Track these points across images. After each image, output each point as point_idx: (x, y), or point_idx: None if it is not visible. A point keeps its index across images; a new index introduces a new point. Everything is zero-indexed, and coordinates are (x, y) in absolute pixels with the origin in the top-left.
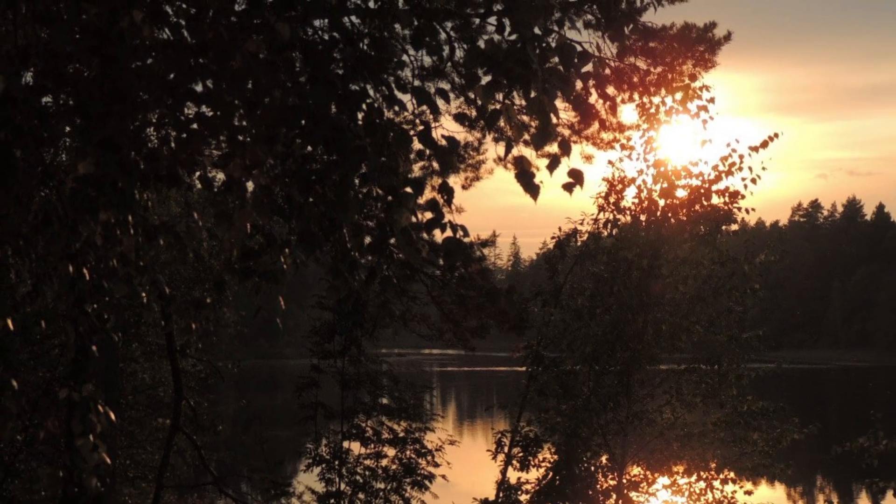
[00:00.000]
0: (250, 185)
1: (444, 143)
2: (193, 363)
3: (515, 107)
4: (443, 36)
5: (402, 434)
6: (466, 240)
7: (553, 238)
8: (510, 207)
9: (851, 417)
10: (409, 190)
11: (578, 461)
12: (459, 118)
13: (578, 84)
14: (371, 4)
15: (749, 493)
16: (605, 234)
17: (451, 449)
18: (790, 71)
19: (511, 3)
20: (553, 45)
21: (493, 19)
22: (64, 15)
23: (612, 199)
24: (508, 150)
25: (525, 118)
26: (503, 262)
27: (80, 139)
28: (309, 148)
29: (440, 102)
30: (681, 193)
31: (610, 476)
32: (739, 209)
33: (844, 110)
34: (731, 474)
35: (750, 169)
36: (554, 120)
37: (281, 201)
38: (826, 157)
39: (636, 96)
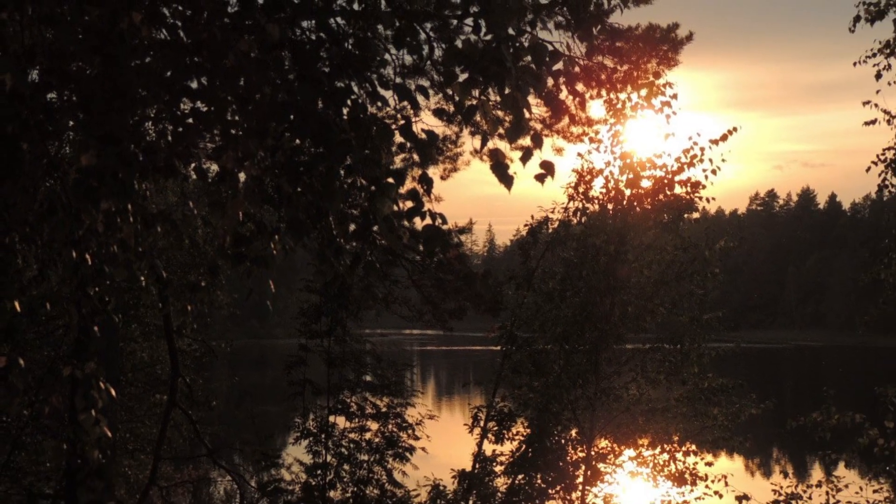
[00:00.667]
0: (242, 176)
1: (423, 136)
2: (189, 343)
3: (491, 102)
4: (422, 36)
5: (384, 409)
6: (445, 227)
7: (526, 225)
8: (486, 197)
9: (805, 394)
10: (390, 180)
11: (550, 434)
12: (438, 113)
13: (549, 81)
14: (355, 6)
15: (709, 464)
16: (575, 221)
17: (431, 423)
18: (748, 69)
19: (486, 6)
20: (526, 44)
21: (469, 20)
22: (68, 16)
23: (581, 189)
24: (484, 143)
25: (500, 113)
26: (479, 248)
27: (82, 133)
28: (297, 141)
29: (420, 98)
30: (646, 184)
31: (579, 448)
32: (700, 198)
33: (799, 106)
34: (693, 447)
35: (710, 161)
36: (527, 115)
37: (271, 191)
38: (781, 149)
39: (604, 93)
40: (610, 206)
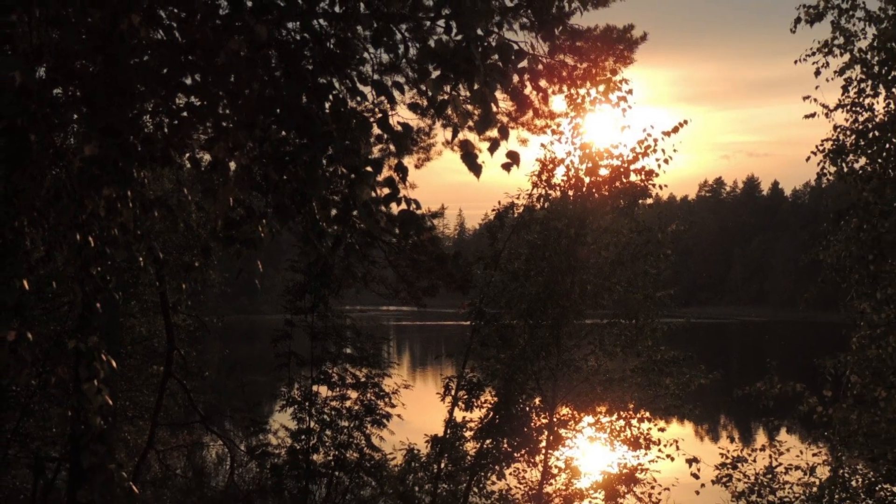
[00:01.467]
0: (233, 165)
1: (399, 128)
2: (184, 318)
3: (461, 97)
4: (398, 36)
5: (363, 379)
6: (419, 212)
7: (493, 210)
8: (456, 184)
9: (750, 365)
10: (369, 169)
11: (515, 402)
12: (413, 107)
13: (515, 78)
14: (337, 9)
15: (662, 430)
16: (538, 206)
17: (406, 392)
18: (697, 66)
19: (457, 8)
20: (493, 44)
21: (441, 22)
22: (72, 18)
23: (544, 177)
24: (455, 134)
25: (469, 107)
26: (450, 231)
27: (86, 125)
28: (283, 133)
29: (396, 94)
30: (603, 172)
31: (542, 415)
32: (654, 185)
33: (744, 100)
34: (647, 414)
35: (663, 151)
36: (494, 108)
37: (259, 179)
38: (728, 140)
39: (565, 88)
40: (570, 193)
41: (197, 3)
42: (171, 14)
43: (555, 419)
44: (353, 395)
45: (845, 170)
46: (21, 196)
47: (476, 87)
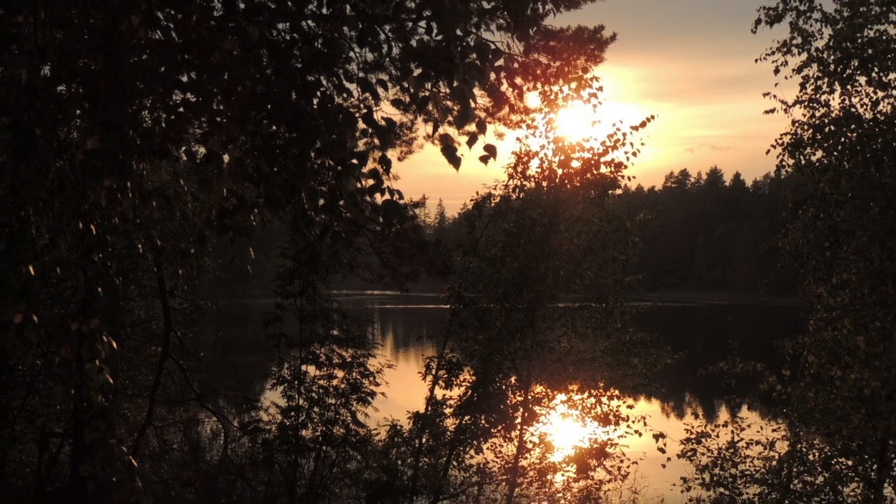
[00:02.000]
0: (226, 158)
1: (383, 123)
2: (180, 301)
3: (441, 94)
4: (382, 37)
5: (349, 359)
6: (401, 202)
7: (472, 200)
8: (437, 176)
9: (713, 346)
10: (354, 161)
11: (492, 381)
12: (396, 103)
13: (492, 75)
14: (324, 11)
15: (630, 407)
16: (514, 197)
17: (389, 371)
18: (664, 65)
19: (437, 10)
20: (471, 43)
21: (423, 23)
22: (75, 19)
23: (519, 169)
24: (435, 129)
25: (449, 103)
26: (431, 219)
27: (88, 120)
28: (274, 127)
29: (380, 90)
30: (575, 164)
31: (518, 393)
32: (623, 177)
33: (708, 97)
34: (616, 392)
35: (631, 144)
36: (472, 104)
37: (251, 170)
38: (693, 134)
39: (539, 85)
40: (544, 184)
41: (193, 4)
42: (168, 15)
43: (529, 397)
44: (340, 374)
45: (803, 162)
46: (27, 187)
47: (455, 84)
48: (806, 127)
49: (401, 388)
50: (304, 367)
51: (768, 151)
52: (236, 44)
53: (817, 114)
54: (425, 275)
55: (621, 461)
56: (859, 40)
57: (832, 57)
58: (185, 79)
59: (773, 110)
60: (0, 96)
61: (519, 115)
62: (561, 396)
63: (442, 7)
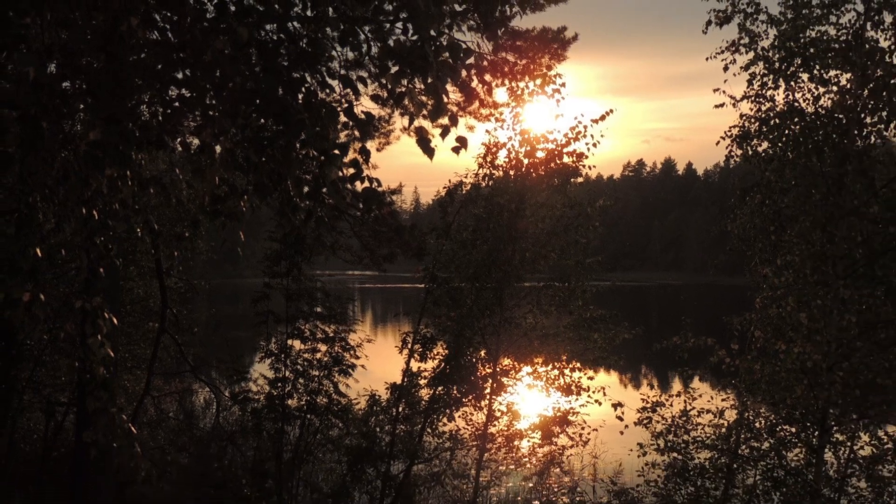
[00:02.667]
0: (218, 149)
1: (363, 116)
2: (175, 281)
3: (416, 90)
4: (362, 37)
5: (331, 334)
6: (379, 189)
7: (445, 188)
8: (412, 165)
9: (667, 322)
10: (336, 152)
11: (463, 355)
12: (375, 98)
13: (463, 73)
14: (308, 13)
15: (591, 378)
16: (484, 184)
17: (368, 345)
18: (622, 63)
19: (413, 13)
20: (444, 43)
21: (399, 24)
22: (79, 21)
23: (488, 159)
24: (411, 122)
25: (423, 98)
26: (407, 206)
27: (90, 114)
28: (262, 120)
29: (360, 86)
30: (540, 154)
31: (487, 366)
32: (584, 166)
33: (662, 92)
34: (578, 364)
35: (592, 136)
36: (445, 99)
37: (241, 160)
38: (648, 127)
39: (507, 82)
40: (511, 173)
41: (187, 7)
42: (164, 17)
43: (498, 369)
44: (323, 348)
45: (750, 153)
46: (34, 176)
47: (429, 80)
48: (753, 120)
49: (379, 361)
50: (289, 342)
51: (718, 143)
52: (227, 43)
53: (763, 108)
54: (402, 256)
55: (582, 428)
56: (802, 40)
57: (777, 55)
58: (180, 76)
59: (722, 105)
60: (9, 92)
61: (488, 109)
62: (527, 368)
63: (417, 9)
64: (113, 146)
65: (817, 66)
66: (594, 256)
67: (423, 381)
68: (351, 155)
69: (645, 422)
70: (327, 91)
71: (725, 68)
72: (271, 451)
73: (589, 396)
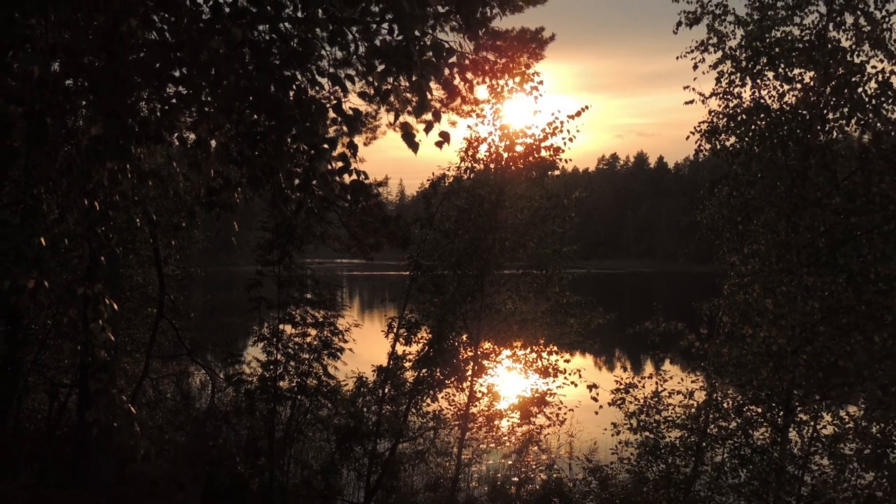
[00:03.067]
0: (213, 143)
1: (351, 113)
2: (173, 269)
3: (401, 87)
4: (350, 37)
5: (320, 319)
6: (366, 182)
7: (428, 180)
8: (398, 158)
9: (640, 308)
10: (325, 146)
11: (446, 339)
12: (362, 95)
13: (446, 71)
14: (299, 14)
15: (567, 361)
16: (465, 177)
17: (356, 330)
18: (597, 62)
19: (398, 14)
20: (428, 43)
21: (385, 25)
22: (81, 22)
23: (470, 153)
24: (396, 117)
25: (408, 95)
26: (393, 197)
27: (92, 110)
28: (255, 116)
29: (348, 84)
30: (519, 149)
31: (468, 349)
32: (560, 160)
33: (635, 89)
34: (555, 348)
35: (568, 131)
36: (429, 96)
37: (235, 154)
38: (622, 122)
39: (487, 80)
40: (492, 166)
41: (184, 9)
42: (162, 18)
43: (479, 352)
44: (313, 332)
45: (718, 147)
46: (39, 169)
47: (414, 78)
48: (721, 116)
49: (366, 345)
50: (281, 327)
51: (688, 137)
52: (222, 43)
53: (731, 104)
54: (387, 245)
55: (559, 409)
56: (767, 40)
57: (744, 55)
58: (177, 74)
59: (692, 101)
60: (15, 89)
61: (470, 105)
62: (506, 352)
63: (402, 11)
64: (113, 141)
65: (782, 65)
66: (570, 245)
67: (407, 364)
68: (339, 149)
69: (618, 402)
70: (317, 88)
71: (695, 67)
72: (264, 430)
73: (565, 378)
